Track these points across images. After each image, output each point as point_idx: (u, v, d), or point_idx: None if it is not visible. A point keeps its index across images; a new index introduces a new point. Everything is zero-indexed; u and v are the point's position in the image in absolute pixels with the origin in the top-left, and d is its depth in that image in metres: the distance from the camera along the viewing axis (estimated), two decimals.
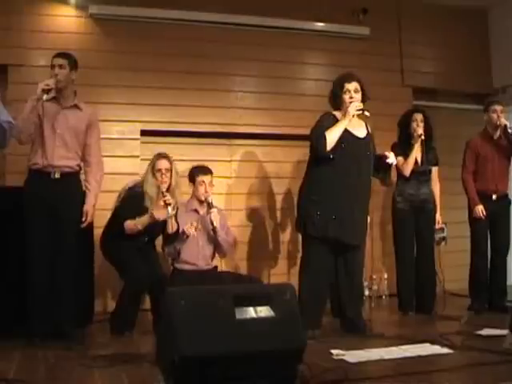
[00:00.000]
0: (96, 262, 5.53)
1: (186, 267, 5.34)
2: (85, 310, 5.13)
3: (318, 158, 4.74)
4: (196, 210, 5.44)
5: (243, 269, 6.80)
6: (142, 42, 6.60)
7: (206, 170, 5.43)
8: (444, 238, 6.18)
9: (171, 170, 5.15)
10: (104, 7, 6.51)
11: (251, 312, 3.15)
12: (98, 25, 6.56)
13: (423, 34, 7.74)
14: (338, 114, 4.83)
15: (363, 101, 4.81)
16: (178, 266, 5.39)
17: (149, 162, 5.31)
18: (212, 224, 5.28)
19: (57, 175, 4.65)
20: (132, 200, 5.11)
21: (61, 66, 4.71)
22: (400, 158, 5.74)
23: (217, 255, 5.59)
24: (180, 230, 5.22)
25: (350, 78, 4.86)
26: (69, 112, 4.75)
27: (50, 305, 4.57)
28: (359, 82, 4.85)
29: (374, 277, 7.13)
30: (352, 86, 4.81)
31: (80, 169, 4.87)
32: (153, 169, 5.14)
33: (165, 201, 5.00)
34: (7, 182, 5.90)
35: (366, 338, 4.54)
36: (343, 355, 3.87)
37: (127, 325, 4.90)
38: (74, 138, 4.75)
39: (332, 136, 4.63)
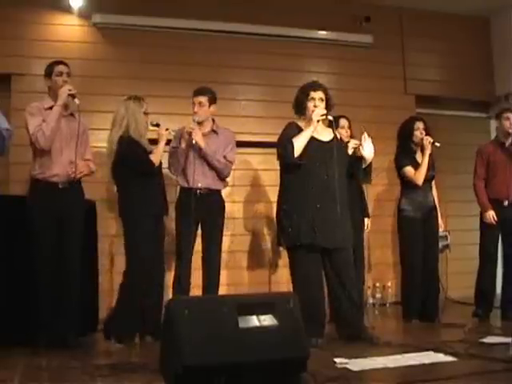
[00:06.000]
0: (100, 270, 5.53)
1: (186, 185, 5.41)
2: (89, 319, 5.13)
3: (287, 165, 4.80)
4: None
5: (243, 277, 6.83)
6: (145, 51, 6.63)
7: (197, 91, 5.50)
8: (447, 246, 6.17)
9: None
10: (107, 16, 6.55)
11: (254, 321, 3.15)
12: (101, 34, 6.60)
13: (426, 42, 7.76)
14: (300, 123, 4.91)
15: (327, 109, 4.84)
16: (182, 184, 5.45)
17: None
18: (196, 143, 5.31)
19: (64, 184, 4.70)
20: (136, 144, 4.98)
21: (68, 74, 4.80)
22: (409, 168, 5.76)
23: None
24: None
25: (316, 86, 4.93)
26: (67, 120, 4.81)
27: (55, 314, 4.60)
28: (325, 91, 4.91)
29: (378, 285, 7.12)
30: (317, 94, 4.86)
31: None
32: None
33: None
34: (11, 190, 5.91)
35: (370, 346, 4.52)
36: (346, 363, 3.85)
37: (130, 328, 4.86)
38: (76, 145, 4.79)
39: (299, 143, 4.69)
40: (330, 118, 4.80)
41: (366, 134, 4.93)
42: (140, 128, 4.99)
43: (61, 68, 4.80)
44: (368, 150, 4.92)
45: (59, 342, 4.52)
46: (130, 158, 4.90)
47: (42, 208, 4.63)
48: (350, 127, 5.90)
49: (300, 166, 4.71)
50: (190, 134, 5.28)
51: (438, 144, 5.68)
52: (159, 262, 5.11)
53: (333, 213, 4.68)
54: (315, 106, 4.81)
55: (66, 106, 4.79)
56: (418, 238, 5.78)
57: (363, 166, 5.07)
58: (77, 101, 4.73)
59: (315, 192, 4.70)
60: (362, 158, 4.96)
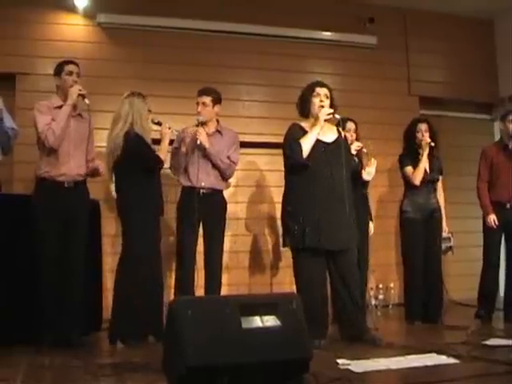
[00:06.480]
0: (104, 269, 5.54)
1: (189, 184, 5.42)
2: (92, 318, 5.14)
3: (295, 166, 4.77)
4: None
5: (245, 278, 6.82)
6: (150, 51, 6.65)
7: (201, 91, 5.52)
8: (451, 248, 6.16)
9: None
10: (112, 16, 6.57)
11: (257, 321, 3.15)
12: (105, 33, 6.62)
13: (430, 43, 7.76)
14: (304, 124, 4.87)
15: (331, 108, 4.81)
16: (185, 183, 5.47)
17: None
18: (201, 144, 5.33)
19: (70, 184, 4.72)
20: (142, 141, 4.95)
21: (78, 74, 4.82)
22: (409, 168, 5.78)
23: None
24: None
25: (321, 83, 4.92)
26: (76, 120, 4.82)
27: (59, 313, 4.61)
28: (329, 89, 4.89)
29: (381, 286, 7.12)
30: (322, 90, 4.85)
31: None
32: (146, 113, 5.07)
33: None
34: (14, 189, 5.92)
35: (372, 348, 4.51)
36: (349, 365, 3.84)
37: (133, 329, 4.82)
38: (84, 145, 4.81)
39: (306, 144, 4.69)
40: (338, 116, 4.78)
41: (373, 160, 4.94)
42: (145, 125, 4.96)
43: (71, 67, 4.82)
44: (368, 174, 4.97)
45: (63, 341, 4.53)
46: (138, 153, 4.86)
47: (47, 207, 4.64)
48: (356, 130, 5.89)
49: (307, 166, 4.71)
50: (194, 133, 5.29)
51: (432, 144, 5.70)
52: (157, 262, 5.08)
53: (339, 214, 4.68)
54: (321, 101, 4.79)
55: (74, 106, 4.80)
56: (418, 239, 5.78)
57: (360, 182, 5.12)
58: (87, 101, 4.75)
59: (320, 193, 4.68)
60: (360, 173, 4.98)
